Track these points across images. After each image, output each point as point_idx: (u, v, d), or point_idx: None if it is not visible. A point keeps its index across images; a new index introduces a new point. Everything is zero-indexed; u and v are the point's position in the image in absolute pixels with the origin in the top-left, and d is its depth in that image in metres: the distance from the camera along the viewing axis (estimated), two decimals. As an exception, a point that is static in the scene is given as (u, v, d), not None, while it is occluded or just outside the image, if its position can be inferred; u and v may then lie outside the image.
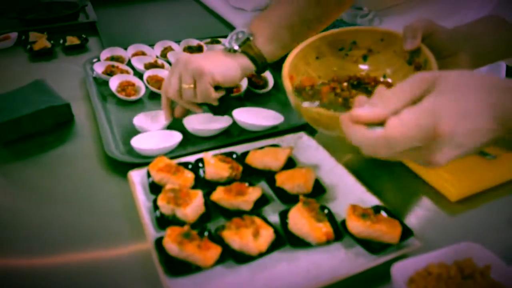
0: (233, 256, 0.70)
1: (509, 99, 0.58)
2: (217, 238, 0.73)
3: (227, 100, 1.11)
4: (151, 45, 1.53)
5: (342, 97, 0.94)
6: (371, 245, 0.72)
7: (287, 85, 0.89)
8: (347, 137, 0.60)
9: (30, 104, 1.10)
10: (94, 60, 1.45)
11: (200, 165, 0.92)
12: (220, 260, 0.69)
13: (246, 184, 0.84)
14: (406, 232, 0.73)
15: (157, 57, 1.46)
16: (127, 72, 1.35)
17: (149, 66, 1.37)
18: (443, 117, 0.54)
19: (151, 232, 0.75)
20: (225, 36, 1.63)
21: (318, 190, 0.85)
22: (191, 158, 0.93)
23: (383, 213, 0.77)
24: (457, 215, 0.84)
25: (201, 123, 1.06)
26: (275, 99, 1.26)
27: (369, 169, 0.94)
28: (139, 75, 1.31)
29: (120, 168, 0.94)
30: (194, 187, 0.86)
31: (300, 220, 0.73)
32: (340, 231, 0.75)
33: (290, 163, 0.92)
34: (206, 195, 0.82)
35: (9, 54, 1.64)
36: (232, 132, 1.08)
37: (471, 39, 0.93)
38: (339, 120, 0.79)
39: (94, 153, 1.02)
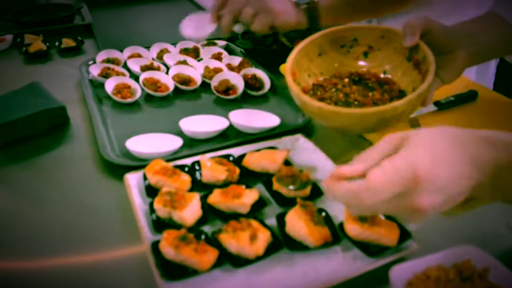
0: (230, 260, 0.70)
1: (485, 150, 0.58)
2: (214, 242, 0.72)
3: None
4: (147, 47, 1.53)
5: (343, 92, 0.97)
6: (369, 248, 0.71)
7: (289, 80, 0.92)
8: (331, 196, 0.60)
9: (25, 107, 1.09)
10: (90, 62, 1.44)
11: (197, 167, 0.91)
12: (217, 264, 0.69)
13: (243, 186, 0.83)
14: (404, 235, 0.72)
15: (153, 59, 1.46)
16: (123, 74, 1.34)
17: (145, 68, 1.37)
18: (420, 163, 0.55)
19: (147, 235, 0.75)
20: (222, 38, 1.64)
21: (316, 192, 0.85)
22: (188, 161, 0.93)
23: (381, 216, 0.77)
24: (455, 218, 0.83)
25: (197, 125, 1.05)
26: (272, 101, 1.26)
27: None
28: (135, 77, 1.31)
29: (116, 171, 0.93)
30: (191, 190, 0.85)
31: (298, 223, 0.73)
32: (337, 234, 0.75)
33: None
34: (203, 198, 0.82)
35: (4, 56, 1.64)
36: (229, 134, 1.07)
37: (469, 36, 0.94)
38: (339, 114, 0.83)
39: (89, 156, 1.01)
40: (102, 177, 0.95)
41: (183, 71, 1.33)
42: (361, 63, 1.05)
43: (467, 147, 0.58)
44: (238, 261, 0.69)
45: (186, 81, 1.30)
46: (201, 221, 0.78)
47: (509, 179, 0.59)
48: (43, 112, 1.09)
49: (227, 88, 1.25)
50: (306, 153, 0.97)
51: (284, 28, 1.19)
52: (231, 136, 1.07)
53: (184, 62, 1.40)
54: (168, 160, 0.91)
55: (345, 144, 1.06)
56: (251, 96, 1.27)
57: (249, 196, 0.80)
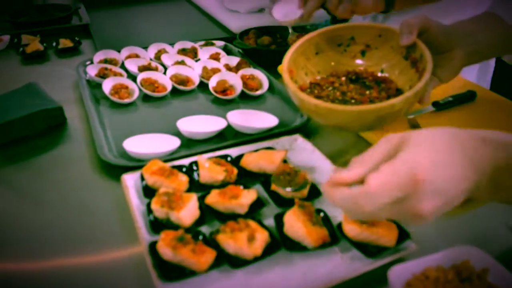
0: (228, 260, 0.69)
1: (484, 151, 0.58)
2: (211, 242, 0.72)
3: None
4: (145, 48, 1.53)
5: (340, 91, 0.98)
6: (368, 249, 0.71)
7: (286, 77, 0.93)
8: (330, 201, 0.60)
9: (22, 107, 1.09)
10: (87, 62, 1.44)
11: (195, 168, 0.91)
12: (215, 265, 0.69)
13: (241, 187, 0.83)
14: (403, 235, 0.72)
15: (151, 59, 1.46)
16: (121, 75, 1.34)
17: (142, 68, 1.36)
18: (420, 165, 0.54)
19: (145, 236, 0.74)
20: (220, 38, 1.64)
21: (314, 193, 0.85)
22: (185, 161, 0.93)
23: (380, 217, 0.77)
24: (454, 218, 0.83)
25: (195, 126, 1.05)
26: (270, 101, 1.26)
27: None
28: (133, 78, 1.30)
29: (114, 171, 0.93)
30: (189, 190, 0.85)
31: (296, 224, 0.72)
32: (336, 235, 0.74)
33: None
34: (201, 199, 0.81)
35: (1, 57, 1.64)
36: (227, 134, 1.07)
37: (466, 36, 0.95)
38: (336, 111, 0.84)
39: (87, 157, 1.01)
40: (99, 177, 0.95)
41: (181, 72, 1.33)
42: (358, 61, 1.05)
43: (466, 148, 0.58)
44: (236, 262, 0.69)
45: (184, 81, 1.30)
46: (199, 221, 0.78)
47: (508, 180, 0.60)
48: (40, 113, 1.09)
49: (225, 89, 1.25)
50: (304, 153, 0.96)
51: (364, 13, 1.22)
52: (229, 136, 1.07)
53: (182, 63, 1.39)
54: (166, 161, 0.91)
55: (343, 144, 1.06)
56: (249, 97, 1.27)
57: (247, 197, 0.80)
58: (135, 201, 0.83)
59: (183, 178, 0.85)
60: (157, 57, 1.47)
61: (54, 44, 1.65)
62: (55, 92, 1.21)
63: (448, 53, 0.94)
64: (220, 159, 0.90)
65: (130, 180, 0.87)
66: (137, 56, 1.48)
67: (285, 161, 0.92)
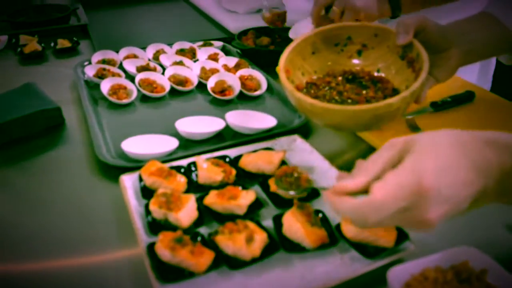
0: (226, 262, 0.69)
1: (489, 154, 0.57)
2: (210, 243, 0.72)
3: None
4: (143, 48, 1.52)
5: (337, 90, 0.98)
6: (366, 249, 0.71)
7: (282, 76, 0.92)
8: (334, 210, 0.60)
9: (20, 108, 1.09)
10: (85, 63, 1.44)
11: (193, 169, 0.91)
12: (213, 266, 0.68)
13: (240, 188, 0.83)
14: (402, 236, 0.72)
15: (149, 60, 1.46)
16: (119, 75, 1.34)
17: (141, 69, 1.36)
18: (425, 173, 0.54)
19: (143, 237, 0.74)
20: (218, 39, 1.64)
21: (313, 194, 0.84)
22: (184, 162, 0.92)
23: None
24: (452, 219, 0.83)
25: (193, 126, 1.05)
26: (269, 102, 1.26)
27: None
28: (131, 78, 1.30)
29: (112, 172, 0.93)
30: (187, 191, 0.85)
31: (295, 224, 0.72)
32: (335, 235, 0.74)
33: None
34: (199, 199, 0.81)
35: (-1, 57, 1.63)
36: (225, 135, 1.07)
37: (463, 35, 0.95)
38: (332, 111, 0.84)
39: (85, 157, 1.01)
40: (97, 178, 0.95)
41: (179, 72, 1.33)
42: (355, 61, 1.05)
43: (471, 152, 0.57)
44: (234, 263, 0.69)
45: (182, 82, 1.29)
46: (197, 222, 0.78)
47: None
48: (38, 113, 1.09)
49: (224, 89, 1.25)
50: (303, 154, 0.96)
51: (370, 21, 1.22)
52: (228, 137, 1.06)
53: (180, 63, 1.39)
54: (164, 161, 0.90)
55: (342, 145, 1.06)
56: (247, 97, 1.27)
57: (245, 198, 0.79)
58: (133, 202, 0.82)
59: (182, 179, 0.85)
60: (156, 58, 1.47)
61: (52, 44, 1.65)
62: (53, 92, 1.20)
63: (444, 52, 0.94)
64: (219, 160, 0.90)
65: (128, 181, 0.87)
66: (135, 56, 1.48)
67: (283, 162, 0.92)
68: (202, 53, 1.51)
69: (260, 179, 0.88)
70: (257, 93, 1.27)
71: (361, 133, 1.05)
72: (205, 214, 0.79)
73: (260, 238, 0.71)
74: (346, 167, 0.91)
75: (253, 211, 0.80)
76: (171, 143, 0.99)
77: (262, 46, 1.54)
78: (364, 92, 0.97)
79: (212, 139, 1.05)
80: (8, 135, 1.05)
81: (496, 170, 0.57)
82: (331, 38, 1.04)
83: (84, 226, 0.82)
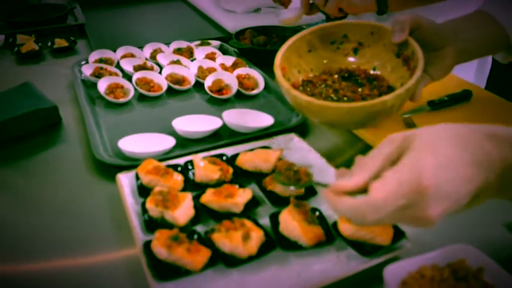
0: (223, 260, 0.69)
1: (490, 149, 0.57)
2: (206, 241, 0.72)
3: None
4: (141, 47, 1.52)
5: (333, 88, 0.98)
6: (363, 247, 0.71)
7: (278, 74, 0.93)
8: (333, 209, 0.60)
9: (16, 107, 1.08)
10: (83, 62, 1.43)
11: (190, 167, 0.91)
12: (210, 264, 0.68)
13: (236, 186, 0.83)
14: (398, 234, 0.72)
15: (146, 59, 1.45)
16: (116, 74, 1.33)
17: (138, 68, 1.36)
18: (424, 170, 0.54)
19: (140, 235, 0.74)
20: (216, 38, 1.64)
21: (309, 192, 0.84)
22: (181, 161, 0.92)
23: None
24: (449, 217, 0.83)
25: (190, 125, 1.05)
26: (266, 101, 1.26)
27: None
28: (128, 77, 1.30)
29: (109, 171, 0.93)
30: (184, 189, 0.85)
31: (291, 223, 0.72)
32: (331, 234, 0.74)
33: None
34: (196, 198, 0.81)
35: (-4, 56, 1.63)
36: (222, 134, 1.07)
37: (458, 33, 0.96)
38: (328, 108, 0.85)
39: (82, 156, 1.01)
40: (94, 177, 0.95)
41: (176, 71, 1.33)
42: (351, 59, 1.06)
43: (471, 146, 0.57)
44: (231, 261, 0.69)
45: (180, 81, 1.29)
46: (194, 220, 0.78)
47: None
48: (35, 112, 1.08)
49: (221, 88, 1.25)
50: (300, 152, 0.96)
51: (353, 12, 1.25)
52: (225, 135, 1.06)
53: (177, 62, 1.39)
54: (161, 160, 0.90)
55: (339, 143, 1.06)
56: (244, 96, 1.27)
57: (242, 196, 0.79)
58: (130, 200, 0.82)
59: (178, 177, 0.85)
60: (153, 57, 1.47)
61: (49, 43, 1.65)
62: (50, 91, 1.20)
63: (440, 51, 0.94)
64: (216, 158, 0.90)
65: (125, 179, 0.87)
66: (132, 55, 1.47)
67: (280, 160, 0.92)
68: (200, 52, 1.51)
69: (257, 177, 0.88)
70: (254, 92, 1.27)
71: (358, 132, 1.05)
72: (202, 212, 0.79)
73: (257, 236, 0.71)
74: (343, 166, 0.92)
75: (249, 209, 0.80)
76: (168, 142, 0.99)
77: (259, 45, 1.53)
78: (359, 90, 0.98)
79: (209, 138, 1.05)
80: (5, 134, 1.05)
81: (498, 163, 0.57)
82: (327, 36, 1.04)
83: (81, 224, 0.82)
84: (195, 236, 0.73)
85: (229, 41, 1.55)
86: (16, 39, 1.67)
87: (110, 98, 1.21)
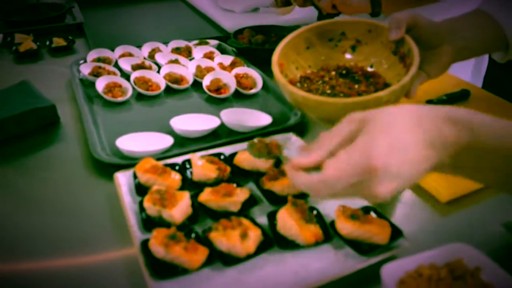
0: (220, 258, 0.69)
1: (447, 129, 0.60)
2: (204, 240, 0.72)
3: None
4: (139, 46, 1.52)
5: (330, 85, 0.99)
6: (361, 246, 0.71)
7: (276, 70, 0.94)
8: (293, 183, 0.64)
9: (14, 106, 1.08)
10: (81, 61, 1.43)
11: (188, 166, 0.90)
12: (207, 262, 0.68)
13: (234, 185, 0.83)
14: (396, 233, 0.72)
15: (144, 58, 1.45)
16: (114, 74, 1.33)
17: (136, 67, 1.36)
18: (374, 151, 0.56)
19: (137, 234, 0.74)
20: (214, 38, 1.63)
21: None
22: (179, 160, 0.92)
23: (373, 214, 0.77)
24: (447, 216, 0.83)
25: (188, 124, 1.05)
26: (264, 100, 1.26)
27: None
28: (126, 77, 1.30)
29: (106, 170, 0.92)
30: (181, 188, 0.85)
31: (289, 221, 0.72)
32: (329, 232, 0.74)
33: (279, 165, 0.91)
34: (194, 197, 0.81)
35: (-6, 56, 1.63)
36: (220, 133, 1.07)
37: (455, 32, 0.97)
38: (324, 104, 0.86)
39: (80, 155, 1.00)
40: (92, 176, 0.94)
41: (174, 70, 1.33)
42: (349, 56, 1.06)
43: (428, 129, 0.59)
44: (228, 260, 0.69)
45: (178, 80, 1.29)
46: (192, 219, 0.78)
47: (468, 161, 0.62)
48: (33, 111, 1.08)
49: (219, 87, 1.25)
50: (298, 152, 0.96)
51: (346, 11, 1.24)
52: (223, 135, 1.06)
53: (175, 61, 1.39)
54: (159, 159, 0.90)
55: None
56: (242, 95, 1.27)
57: (240, 195, 0.79)
58: (128, 199, 0.82)
59: (176, 176, 0.85)
60: (151, 56, 1.47)
61: (47, 43, 1.64)
62: (48, 90, 1.20)
63: (436, 49, 0.95)
64: (214, 157, 0.90)
65: (123, 178, 0.87)
66: (130, 55, 1.47)
67: (278, 160, 0.92)
68: (198, 52, 1.51)
69: (254, 176, 0.88)
70: (253, 91, 1.27)
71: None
72: (200, 211, 0.79)
73: (255, 235, 0.71)
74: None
75: (247, 208, 0.80)
76: (166, 141, 0.98)
77: (257, 45, 1.53)
78: (356, 86, 0.98)
79: (207, 137, 1.05)
80: (3, 133, 1.05)
81: (453, 145, 0.60)
82: (325, 34, 1.05)
83: (78, 223, 0.82)
84: (193, 235, 0.73)
85: (227, 41, 1.55)
86: (14, 38, 1.67)
87: (108, 97, 1.20)
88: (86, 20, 1.92)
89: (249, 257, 0.69)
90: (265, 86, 1.29)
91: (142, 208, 0.78)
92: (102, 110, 1.18)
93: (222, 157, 0.93)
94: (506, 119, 0.63)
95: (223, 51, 1.55)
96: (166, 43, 1.55)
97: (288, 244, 0.72)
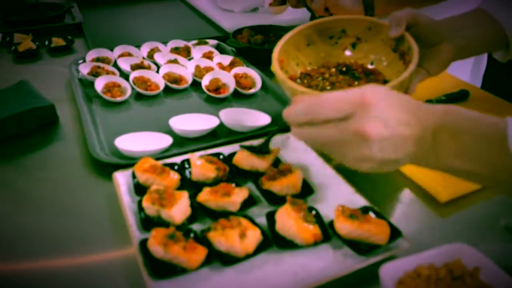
0: (219, 258, 0.69)
1: (426, 109, 0.64)
2: (203, 240, 0.72)
3: None
4: (138, 46, 1.52)
5: (329, 81, 0.99)
6: (359, 246, 0.71)
7: (276, 66, 0.94)
8: (287, 118, 0.68)
9: (13, 105, 1.08)
10: (80, 61, 1.43)
11: (186, 166, 0.90)
12: (206, 262, 0.68)
13: (233, 185, 0.83)
14: (395, 233, 0.72)
15: (143, 58, 1.45)
16: (113, 73, 1.33)
17: (135, 67, 1.36)
18: (369, 94, 0.60)
19: (136, 233, 0.74)
20: (213, 37, 1.63)
21: (306, 190, 0.84)
22: (177, 159, 0.92)
23: (372, 214, 0.77)
24: (446, 216, 0.83)
25: (187, 124, 1.05)
26: (263, 100, 1.26)
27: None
28: (125, 76, 1.30)
29: (105, 169, 0.92)
30: (180, 188, 0.84)
31: (288, 221, 0.72)
32: (328, 232, 0.74)
33: (277, 164, 0.91)
34: (192, 196, 0.81)
35: (-7, 55, 1.62)
36: (219, 133, 1.07)
37: (455, 31, 0.97)
38: None
39: (78, 155, 1.00)
40: (91, 176, 0.94)
41: (173, 70, 1.33)
42: (349, 53, 1.07)
43: (410, 104, 0.63)
44: (227, 259, 0.69)
45: (177, 80, 1.29)
46: (190, 219, 0.78)
47: (446, 141, 0.64)
48: (32, 111, 1.08)
49: (218, 87, 1.25)
50: (297, 151, 0.96)
51: (338, 12, 1.24)
52: (222, 134, 1.06)
53: (174, 61, 1.39)
54: (158, 159, 0.90)
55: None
56: (241, 95, 1.27)
57: (238, 194, 0.79)
58: (126, 198, 0.82)
59: (175, 176, 0.85)
60: (150, 56, 1.47)
61: (46, 42, 1.64)
62: (47, 90, 1.20)
63: (436, 46, 0.95)
64: (212, 157, 0.90)
65: (122, 178, 0.87)
66: (129, 54, 1.47)
67: (277, 159, 0.92)
68: (197, 52, 1.51)
69: (253, 176, 0.88)
70: (252, 91, 1.27)
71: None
72: (198, 211, 0.79)
73: (253, 235, 0.71)
74: (340, 165, 0.92)
75: (246, 208, 0.80)
76: (165, 141, 0.98)
77: (256, 45, 1.53)
78: (356, 83, 0.98)
79: (206, 136, 1.05)
80: (2, 133, 1.05)
81: (431, 123, 0.63)
82: (325, 31, 1.05)
83: (77, 222, 0.82)
84: (192, 235, 0.73)
85: (227, 40, 1.55)
86: (14, 38, 1.67)
87: (107, 97, 1.20)
88: (85, 20, 1.92)
89: (248, 257, 0.69)
90: (264, 86, 1.29)
91: (141, 208, 0.78)
92: (101, 110, 1.18)
93: (221, 157, 0.93)
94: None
95: (222, 51, 1.55)
96: (165, 43, 1.55)
97: (287, 244, 0.72)
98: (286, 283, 0.67)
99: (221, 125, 1.07)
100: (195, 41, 1.60)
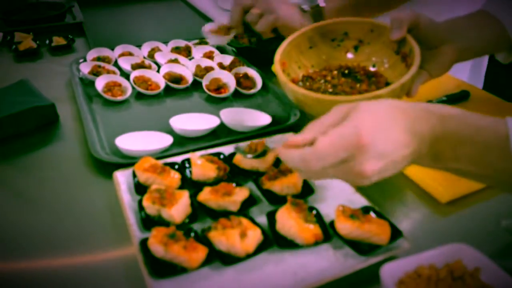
0: (219, 258, 0.69)
1: (423, 119, 0.63)
2: (203, 239, 0.72)
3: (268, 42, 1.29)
4: (139, 46, 1.52)
5: (331, 84, 0.99)
6: (360, 246, 0.71)
7: (278, 68, 0.94)
8: (283, 160, 0.67)
9: (13, 104, 1.08)
10: (81, 60, 1.43)
11: (187, 165, 0.90)
12: (206, 262, 0.68)
13: (234, 184, 0.82)
14: (395, 233, 0.72)
15: (144, 57, 1.45)
16: (114, 73, 1.33)
17: (136, 66, 1.36)
18: (363, 128, 0.60)
19: (136, 233, 0.74)
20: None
21: (307, 190, 0.84)
22: (178, 159, 0.92)
23: (372, 214, 0.77)
24: (447, 217, 0.83)
25: (188, 123, 1.05)
26: (263, 100, 1.25)
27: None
28: (126, 76, 1.30)
29: (106, 169, 0.92)
30: (181, 187, 0.84)
31: (288, 221, 0.72)
32: (328, 232, 0.74)
33: (278, 164, 0.91)
34: (193, 196, 0.81)
35: (-6, 54, 1.62)
36: (220, 133, 1.07)
37: (456, 32, 0.96)
38: (324, 101, 0.86)
39: (79, 155, 1.00)
40: (91, 175, 0.94)
41: (174, 70, 1.33)
42: (351, 56, 1.07)
43: (406, 117, 0.63)
44: (227, 259, 0.69)
45: (177, 79, 1.29)
46: (191, 218, 0.78)
47: (445, 150, 0.64)
48: (32, 110, 1.08)
49: (219, 87, 1.25)
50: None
51: (287, 32, 1.15)
52: (222, 134, 1.06)
53: (175, 61, 1.39)
54: (158, 158, 0.90)
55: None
56: (242, 95, 1.27)
57: (239, 194, 0.79)
58: (127, 198, 0.82)
59: (175, 175, 0.85)
60: (151, 55, 1.47)
61: (47, 42, 1.64)
62: (48, 89, 1.20)
63: (438, 48, 0.95)
64: (213, 157, 0.90)
65: (122, 177, 0.87)
66: (130, 54, 1.47)
67: (277, 160, 0.92)
68: (198, 51, 1.51)
69: (254, 176, 0.88)
70: (252, 91, 1.26)
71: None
72: (199, 210, 0.79)
73: (254, 234, 0.71)
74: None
75: (246, 208, 0.80)
76: (166, 140, 0.98)
77: (257, 45, 1.53)
78: (357, 85, 0.98)
79: (207, 136, 1.05)
80: (2, 132, 1.05)
81: (428, 134, 0.63)
82: (328, 33, 1.06)
83: (78, 222, 0.82)
84: (192, 234, 0.73)
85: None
86: (14, 37, 1.66)
87: (107, 96, 1.20)
88: (86, 19, 1.92)
89: (248, 256, 0.69)
90: (264, 86, 1.29)
91: (141, 207, 0.78)
92: (101, 109, 1.18)
93: (221, 156, 0.93)
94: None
95: (222, 51, 1.54)
96: (166, 42, 1.55)
97: (287, 244, 0.72)
98: (287, 283, 0.67)
99: (222, 125, 1.07)
100: (195, 41, 1.60)
